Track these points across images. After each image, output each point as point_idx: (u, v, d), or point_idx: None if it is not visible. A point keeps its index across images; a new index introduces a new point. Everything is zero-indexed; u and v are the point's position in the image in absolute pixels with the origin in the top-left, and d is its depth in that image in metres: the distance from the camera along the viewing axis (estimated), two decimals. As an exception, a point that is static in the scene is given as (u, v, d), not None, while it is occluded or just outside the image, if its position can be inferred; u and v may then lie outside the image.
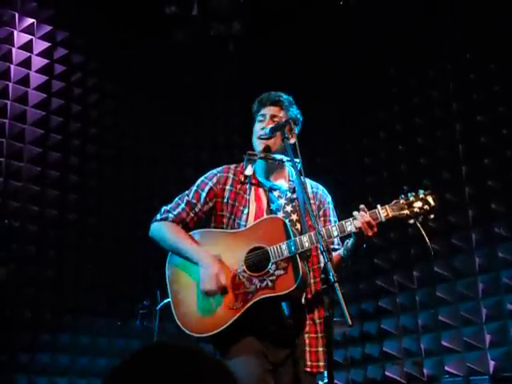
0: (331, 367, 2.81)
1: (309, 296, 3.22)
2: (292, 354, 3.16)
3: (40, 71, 7.21)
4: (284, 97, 3.47)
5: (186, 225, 3.36)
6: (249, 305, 3.04)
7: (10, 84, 6.92)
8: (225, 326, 3.03)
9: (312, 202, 3.39)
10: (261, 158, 3.38)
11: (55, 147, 7.18)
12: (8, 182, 6.71)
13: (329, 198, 3.51)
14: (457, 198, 6.47)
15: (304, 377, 3.14)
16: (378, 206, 3.08)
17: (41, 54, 7.25)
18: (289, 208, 3.34)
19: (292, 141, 3.30)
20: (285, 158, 3.33)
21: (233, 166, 3.50)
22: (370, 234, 3.03)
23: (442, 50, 6.89)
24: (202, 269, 3.14)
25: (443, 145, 6.72)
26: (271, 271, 3.05)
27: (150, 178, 7.94)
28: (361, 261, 7.11)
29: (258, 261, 3.11)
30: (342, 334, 6.97)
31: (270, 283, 3.03)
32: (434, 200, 3.03)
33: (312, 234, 3.05)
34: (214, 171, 3.47)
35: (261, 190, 3.39)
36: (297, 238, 3.07)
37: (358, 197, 7.24)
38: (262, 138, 3.37)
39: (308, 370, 3.15)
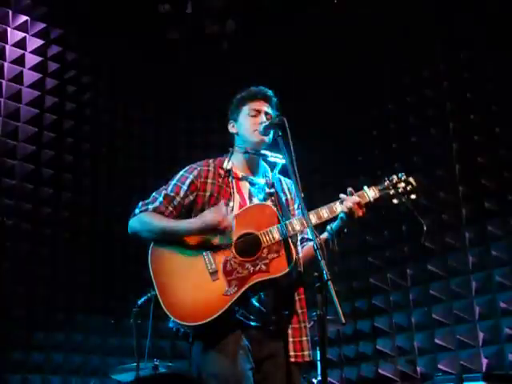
0: (325, 365, 2.82)
1: (291, 285, 3.23)
2: (276, 348, 3.15)
3: (34, 69, 7.19)
4: (271, 92, 3.50)
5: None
6: (244, 289, 3.02)
7: (4, 82, 6.89)
8: (220, 313, 2.95)
9: (289, 196, 3.46)
10: (245, 153, 3.42)
11: (49, 145, 7.16)
12: (1, 180, 6.69)
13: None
14: (450, 196, 6.50)
15: (289, 368, 3.13)
16: (365, 187, 3.23)
17: (34, 52, 7.22)
18: (269, 202, 3.34)
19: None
20: (269, 154, 3.38)
21: (211, 160, 3.49)
22: (360, 214, 3.15)
23: (435, 49, 6.91)
24: (205, 218, 3.11)
25: (437, 143, 6.74)
26: (264, 255, 3.07)
27: (143, 177, 7.93)
28: (354, 259, 7.13)
29: (248, 246, 3.10)
30: (335, 332, 6.99)
31: (263, 266, 3.05)
32: (414, 180, 3.30)
33: (301, 217, 3.11)
34: (194, 165, 3.46)
35: (241, 184, 3.40)
36: (287, 222, 3.13)
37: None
38: (261, 135, 3.37)
39: (293, 360, 3.13)
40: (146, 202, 3.36)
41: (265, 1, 7.88)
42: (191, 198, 3.31)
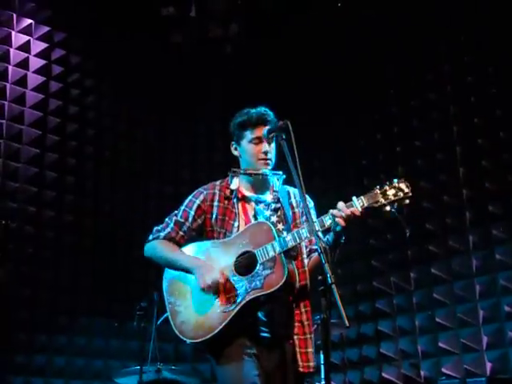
0: (329, 369, 2.81)
1: (295, 299, 3.30)
2: (283, 356, 3.23)
3: (37, 72, 7.21)
4: (271, 115, 3.50)
5: (176, 243, 3.48)
6: (240, 306, 3.13)
7: (8, 85, 6.92)
8: (218, 329, 3.11)
9: (296, 210, 3.51)
10: (245, 174, 3.48)
11: (52, 148, 7.17)
12: (5, 183, 6.70)
13: (311, 204, 3.54)
14: (454, 199, 6.48)
15: (295, 377, 3.21)
16: (354, 198, 3.19)
17: (38, 55, 7.25)
18: (274, 219, 3.43)
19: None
20: (267, 172, 3.41)
21: (218, 182, 3.57)
22: (343, 224, 3.12)
23: (439, 53, 6.91)
24: (197, 270, 3.25)
25: (441, 147, 6.73)
26: (259, 272, 3.17)
27: (146, 180, 7.94)
28: (358, 262, 7.12)
29: (246, 264, 3.21)
30: (339, 336, 6.97)
31: (258, 283, 3.14)
32: (407, 186, 3.27)
33: (294, 231, 3.17)
34: (201, 189, 3.56)
35: (247, 204, 3.49)
36: (281, 238, 3.19)
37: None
38: (266, 162, 3.43)
39: (301, 369, 3.20)
40: (159, 228, 3.53)
41: (268, 4, 7.88)
42: (199, 221, 3.47)
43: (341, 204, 3.17)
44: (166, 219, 3.54)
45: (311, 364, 3.23)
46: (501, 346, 5.83)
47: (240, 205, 3.47)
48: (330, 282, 2.67)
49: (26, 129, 7.00)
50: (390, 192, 3.23)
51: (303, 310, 3.31)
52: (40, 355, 6.59)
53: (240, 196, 3.49)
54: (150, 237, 3.54)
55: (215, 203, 3.47)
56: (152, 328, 5.45)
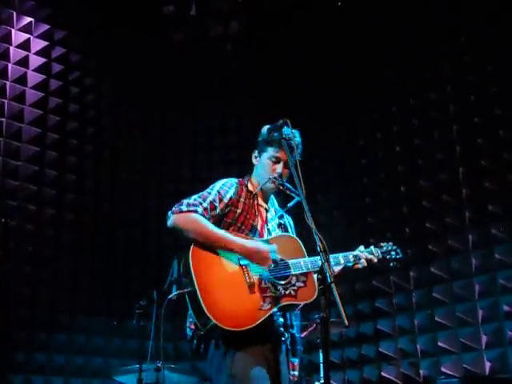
0: (328, 368, 2.82)
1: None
2: (283, 360, 3.40)
3: (37, 70, 7.21)
4: (300, 141, 3.62)
5: None
6: (276, 307, 3.27)
7: (8, 83, 6.91)
8: (255, 324, 3.16)
9: (290, 230, 3.77)
10: (280, 191, 3.63)
11: (52, 146, 7.18)
12: (5, 181, 6.70)
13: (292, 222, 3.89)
14: (454, 199, 6.49)
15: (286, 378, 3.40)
16: (372, 247, 3.74)
17: (38, 53, 7.25)
18: (278, 231, 3.67)
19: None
20: (291, 187, 3.54)
21: (242, 180, 3.72)
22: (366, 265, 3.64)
23: (439, 52, 6.91)
24: (251, 254, 3.33)
25: (440, 146, 6.73)
26: (293, 282, 3.37)
27: (146, 178, 7.94)
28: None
29: (279, 270, 3.37)
30: (338, 335, 6.98)
31: (292, 292, 3.34)
32: (401, 252, 3.87)
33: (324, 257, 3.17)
34: (231, 181, 3.66)
35: (261, 209, 3.70)
36: (312, 258, 3.41)
37: (355, 198, 7.32)
38: (275, 182, 3.59)
39: (291, 378, 3.57)
40: (192, 202, 3.44)
41: (268, 2, 7.88)
42: (226, 211, 3.53)
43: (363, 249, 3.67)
44: (196, 197, 3.47)
45: (296, 373, 3.62)
46: (500, 345, 5.84)
47: (258, 207, 3.66)
48: (329, 280, 2.69)
49: (26, 127, 7.00)
50: (392, 253, 3.84)
51: (295, 323, 3.60)
52: (40, 353, 6.59)
53: (258, 200, 3.69)
54: (184, 207, 3.39)
55: (242, 199, 3.59)
56: (151, 326, 5.44)
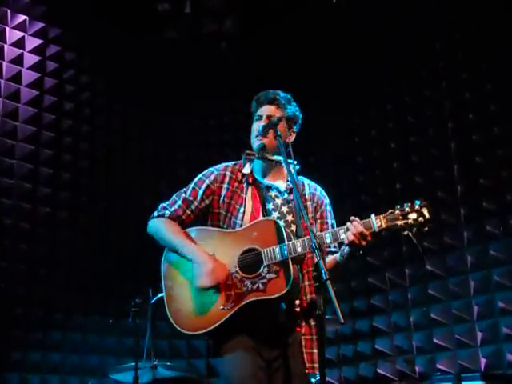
0: (323, 365, 2.82)
1: (304, 298, 3.25)
2: (285, 353, 3.17)
3: (32, 68, 7.18)
4: (281, 95, 3.45)
5: (182, 222, 3.37)
6: (239, 306, 3.06)
7: (2, 81, 6.89)
8: (214, 326, 3.06)
9: (309, 203, 3.42)
10: (258, 158, 3.38)
11: (47, 145, 7.16)
12: (0, 179, 6.68)
13: (326, 200, 3.50)
14: (449, 196, 6.50)
15: (298, 376, 3.15)
16: (372, 216, 3.05)
17: (33, 51, 7.22)
18: (285, 209, 3.34)
19: (291, 139, 3.39)
20: (282, 159, 3.28)
21: (231, 164, 3.49)
22: (364, 243, 3.05)
23: (434, 49, 6.91)
24: (197, 265, 3.14)
25: (435, 143, 6.74)
26: (263, 274, 3.08)
27: (141, 177, 7.93)
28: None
29: (251, 263, 3.12)
30: (333, 332, 6.98)
31: (261, 286, 3.06)
32: (429, 212, 3.03)
33: (305, 239, 3.05)
34: (212, 169, 3.47)
35: (257, 189, 3.40)
36: (290, 243, 3.07)
37: (351, 195, 7.32)
38: (257, 137, 3.36)
39: (305, 370, 3.17)
40: (166, 205, 3.43)
41: (263, 0, 7.87)
42: (207, 202, 3.38)
43: (356, 221, 3.03)
44: (174, 196, 3.44)
45: (315, 365, 3.19)
46: (495, 341, 5.85)
47: (250, 189, 3.39)
48: (324, 278, 2.64)
49: (21, 125, 6.97)
50: (412, 216, 3.04)
51: (311, 310, 3.24)
52: (35, 352, 6.58)
53: (251, 180, 3.41)
54: (155, 213, 3.43)
55: (225, 185, 3.39)
56: (147, 324, 5.44)
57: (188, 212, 3.37)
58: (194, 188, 3.41)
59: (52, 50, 7.41)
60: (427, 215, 3.02)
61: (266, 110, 3.41)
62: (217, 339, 3.16)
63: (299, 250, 3.05)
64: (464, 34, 6.64)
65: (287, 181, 3.43)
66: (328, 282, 2.63)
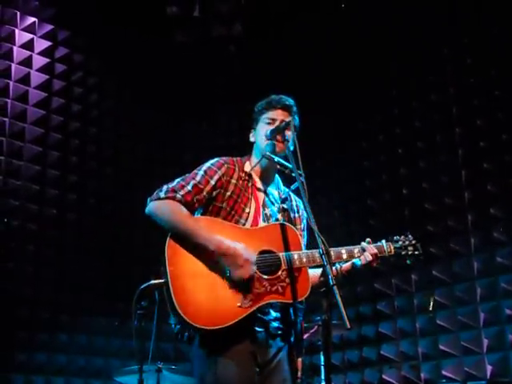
0: (329, 370, 2.82)
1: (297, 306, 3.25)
2: (277, 356, 3.15)
3: (41, 70, 7.22)
4: (293, 102, 3.46)
5: (190, 209, 3.18)
6: (258, 305, 3.00)
7: (11, 82, 6.92)
8: (232, 323, 2.92)
9: (297, 215, 3.48)
10: (275, 161, 3.30)
11: (55, 146, 7.18)
12: (7, 181, 6.71)
13: (305, 214, 3.48)
14: (456, 202, 6.48)
15: (289, 378, 3.14)
16: (384, 242, 3.47)
17: (42, 53, 7.26)
18: (279, 217, 3.34)
19: (292, 147, 3.30)
20: (291, 166, 3.19)
21: (236, 160, 3.45)
22: (374, 264, 3.33)
23: (442, 54, 6.90)
24: (226, 256, 2.99)
25: (443, 149, 6.72)
26: (282, 277, 3.07)
27: (148, 179, 7.93)
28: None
29: (268, 264, 3.09)
30: (339, 337, 6.97)
31: (280, 289, 3.05)
32: (421, 248, 3.53)
33: (326, 259, 3.01)
34: (221, 161, 3.39)
35: (258, 192, 3.37)
36: (309, 252, 3.14)
37: (357, 200, 7.31)
38: (268, 138, 3.33)
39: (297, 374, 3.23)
40: (173, 187, 3.21)
41: (272, 4, 7.88)
42: (214, 193, 3.24)
43: (369, 243, 3.39)
44: (179, 180, 3.25)
45: (299, 373, 3.28)
46: (501, 348, 5.82)
47: (253, 190, 3.35)
48: (331, 283, 2.64)
49: (29, 127, 7.00)
50: (410, 248, 3.51)
51: (299, 319, 3.24)
52: (41, 353, 6.59)
53: (254, 182, 3.38)
54: (162, 194, 3.17)
55: (233, 180, 3.30)
56: (152, 327, 5.44)
57: (196, 199, 3.18)
58: (204, 176, 3.25)
59: (61, 52, 7.44)
60: (420, 250, 3.51)
61: (280, 115, 3.38)
62: (215, 340, 3.00)
63: (317, 260, 3.10)
64: (472, 39, 6.62)
65: (278, 188, 3.48)
66: (335, 288, 2.63)
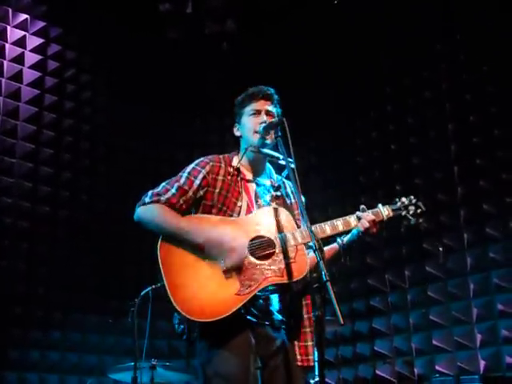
0: (322, 366, 2.82)
1: (298, 290, 3.24)
2: (281, 348, 3.12)
3: (33, 67, 7.19)
4: (273, 91, 3.46)
5: (176, 211, 3.21)
6: (257, 290, 2.99)
7: (3, 80, 6.89)
8: (231, 312, 2.92)
9: (293, 201, 3.44)
10: (263, 153, 3.34)
11: (48, 144, 7.16)
12: (0, 178, 6.68)
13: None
14: (449, 198, 6.50)
15: (295, 371, 3.11)
16: (380, 205, 3.35)
17: (34, 50, 7.23)
18: (274, 205, 3.31)
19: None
20: (281, 156, 3.26)
21: (222, 157, 3.45)
22: (374, 231, 3.25)
23: (435, 51, 6.92)
24: (216, 245, 3.02)
25: (435, 145, 6.74)
26: (278, 259, 3.05)
27: (141, 176, 7.91)
28: (353, 259, 7.13)
29: (262, 248, 3.08)
30: (333, 333, 6.99)
31: (277, 271, 3.02)
32: (423, 205, 3.39)
33: (317, 225, 3.13)
34: (206, 159, 3.40)
35: (249, 184, 3.37)
36: (302, 229, 3.12)
37: (351, 196, 7.33)
38: (260, 134, 3.32)
39: (299, 363, 3.13)
40: (157, 191, 3.25)
41: (264, 0, 7.88)
42: (201, 193, 3.25)
43: (365, 210, 3.30)
44: (164, 184, 3.28)
45: (311, 357, 3.16)
46: (494, 343, 5.85)
47: (243, 184, 3.34)
48: (325, 279, 2.63)
49: (21, 124, 6.98)
50: (411, 208, 3.38)
51: (303, 302, 3.25)
52: (34, 351, 6.57)
53: (242, 175, 3.38)
54: (147, 199, 3.22)
55: (220, 177, 3.31)
56: (146, 324, 5.43)
57: (181, 202, 3.19)
58: (188, 177, 3.27)
59: (53, 49, 7.41)
60: (423, 207, 3.37)
61: (263, 105, 3.40)
62: (216, 333, 3.00)
63: (309, 234, 3.02)
64: (465, 36, 6.64)
65: (271, 178, 3.47)
66: (328, 284, 2.62)
